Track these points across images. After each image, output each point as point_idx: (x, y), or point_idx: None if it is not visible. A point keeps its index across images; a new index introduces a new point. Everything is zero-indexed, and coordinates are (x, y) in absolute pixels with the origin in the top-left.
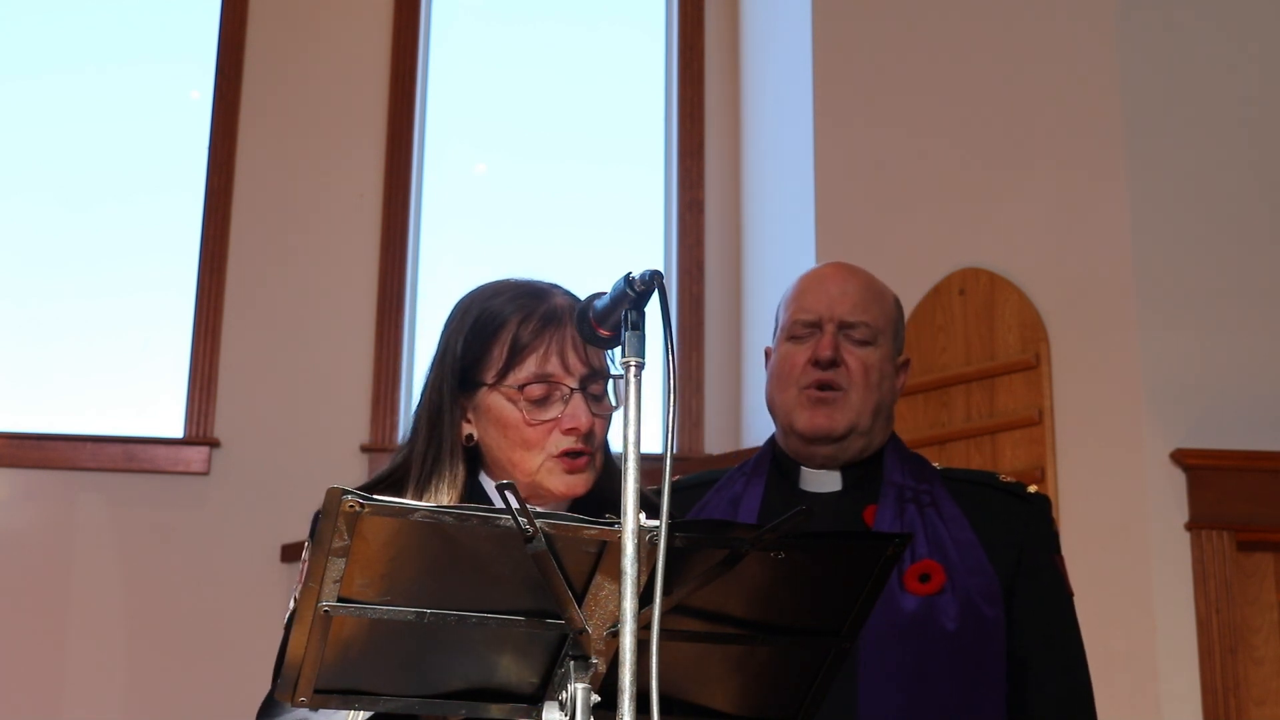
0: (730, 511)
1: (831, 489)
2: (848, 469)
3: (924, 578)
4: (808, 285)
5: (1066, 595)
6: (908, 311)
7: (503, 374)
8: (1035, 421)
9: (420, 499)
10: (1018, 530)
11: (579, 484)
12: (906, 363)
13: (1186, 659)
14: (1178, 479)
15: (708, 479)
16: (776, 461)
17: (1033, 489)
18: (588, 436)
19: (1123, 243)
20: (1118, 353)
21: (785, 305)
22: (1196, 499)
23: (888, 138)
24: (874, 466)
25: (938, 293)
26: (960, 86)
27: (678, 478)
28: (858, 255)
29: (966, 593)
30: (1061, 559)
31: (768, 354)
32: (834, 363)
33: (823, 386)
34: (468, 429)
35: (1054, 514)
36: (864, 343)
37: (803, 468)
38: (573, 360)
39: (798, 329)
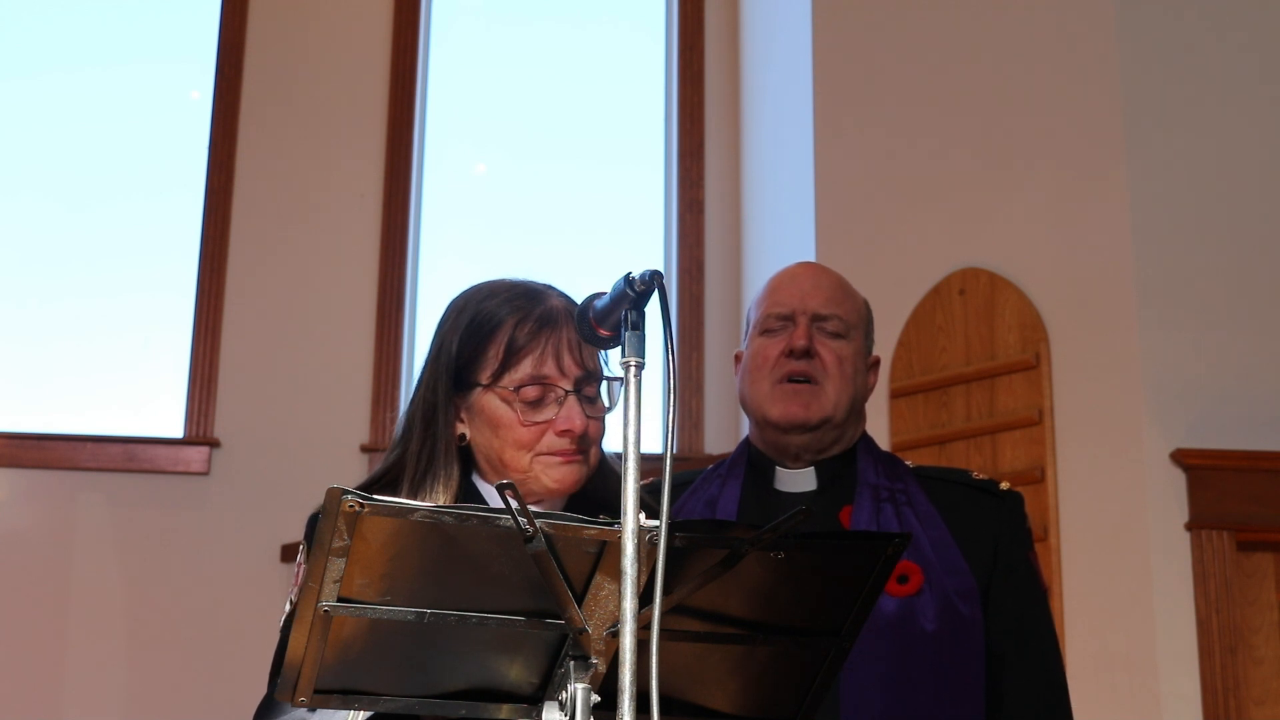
0: (707, 513)
1: (807, 488)
2: (822, 467)
3: (902, 579)
4: (780, 282)
5: (1042, 592)
6: (908, 311)
7: (498, 375)
8: (1035, 421)
9: (415, 499)
10: (992, 528)
11: (570, 477)
12: (877, 362)
13: (1186, 659)
14: (1178, 479)
15: (683, 480)
16: (751, 462)
17: (1005, 486)
18: (581, 438)
19: (1123, 243)
20: (1118, 353)
21: (757, 304)
22: (1196, 499)
23: (888, 137)
24: (848, 465)
25: (938, 293)
26: (960, 86)
27: (650, 480)
28: (858, 255)
29: (944, 592)
30: (1035, 555)
31: (738, 358)
32: (808, 353)
33: (797, 378)
34: (460, 429)
35: (1026, 510)
36: (837, 335)
37: (778, 467)
38: (568, 362)
39: (771, 323)
